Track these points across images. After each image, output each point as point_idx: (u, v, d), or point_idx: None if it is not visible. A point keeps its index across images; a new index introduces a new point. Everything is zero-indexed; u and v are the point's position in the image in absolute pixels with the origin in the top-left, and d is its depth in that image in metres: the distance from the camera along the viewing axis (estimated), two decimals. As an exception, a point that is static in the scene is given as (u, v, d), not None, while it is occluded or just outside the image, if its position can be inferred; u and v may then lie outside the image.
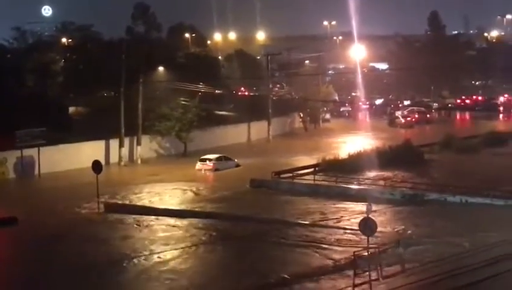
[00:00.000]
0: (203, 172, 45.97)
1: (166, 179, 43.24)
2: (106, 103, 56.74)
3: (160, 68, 56.98)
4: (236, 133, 62.52)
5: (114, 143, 50.67)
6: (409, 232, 28.36)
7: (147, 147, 53.33)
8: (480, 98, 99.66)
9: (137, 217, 32.47)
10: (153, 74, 55.58)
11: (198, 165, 46.67)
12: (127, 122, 50.59)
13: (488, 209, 32.14)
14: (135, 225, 31.14)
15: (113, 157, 50.52)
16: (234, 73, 75.76)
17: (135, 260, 25.29)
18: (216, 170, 45.92)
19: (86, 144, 48.67)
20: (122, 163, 50.54)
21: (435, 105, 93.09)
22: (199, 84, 57.32)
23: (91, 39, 68.41)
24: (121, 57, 50.47)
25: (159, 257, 25.57)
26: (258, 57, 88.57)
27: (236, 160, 48.26)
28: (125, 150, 51.33)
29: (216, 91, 63.37)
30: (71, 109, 61.81)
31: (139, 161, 51.69)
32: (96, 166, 36.16)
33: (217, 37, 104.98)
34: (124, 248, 27.33)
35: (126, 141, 51.47)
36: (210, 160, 46.84)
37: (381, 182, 38.95)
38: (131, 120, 50.83)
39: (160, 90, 54.96)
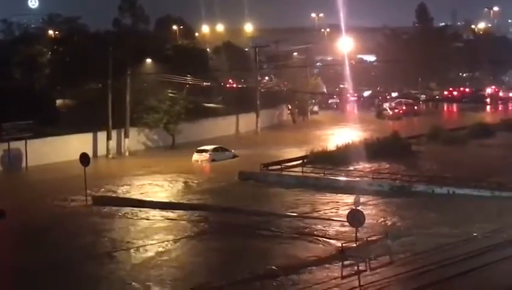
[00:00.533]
0: (199, 163, 46.15)
1: (155, 171, 43.15)
2: (93, 96, 56.46)
3: (148, 60, 56.77)
4: (225, 126, 62.50)
5: (102, 136, 50.49)
6: (398, 223, 28.51)
7: (134, 139, 53.22)
8: (467, 89, 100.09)
9: (126, 209, 32.35)
10: (140, 66, 55.36)
11: (195, 156, 46.87)
12: (114, 114, 50.40)
13: (476, 201, 32.33)
14: (125, 218, 31.03)
15: (101, 150, 50.36)
16: (222, 65, 75.56)
17: (132, 251, 25.26)
18: (213, 160, 46.26)
19: (74, 137, 48.51)
20: (110, 155, 50.39)
21: (423, 97, 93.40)
22: (187, 77, 57.18)
23: (78, 31, 67.93)
24: (109, 49, 50.25)
25: (155, 249, 25.50)
26: (246, 49, 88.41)
27: (233, 151, 48.46)
28: (112, 143, 51.17)
29: (204, 83, 63.23)
30: (58, 102, 61.45)
31: (126, 154, 51.60)
32: (84, 159, 35.98)
33: (205, 29, 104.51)
34: (116, 239, 27.27)
35: (114, 133, 51.31)
36: (207, 151, 47.13)
37: (370, 174, 39.08)
38: (119, 112, 50.66)
39: (148, 83, 54.79)
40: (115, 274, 22.96)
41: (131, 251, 25.37)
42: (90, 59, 53.77)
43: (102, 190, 37.20)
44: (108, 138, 50.63)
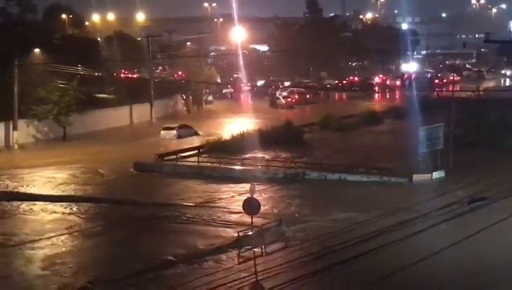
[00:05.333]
0: (167, 138, 50.82)
1: (45, 163, 41.90)
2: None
3: (36, 50, 54.99)
4: (118, 116, 61.42)
5: (-12, 128, 48.63)
6: (292, 210, 29.13)
7: (23, 132, 51.45)
8: (356, 78, 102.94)
9: (16, 204, 31.39)
10: (28, 56, 53.58)
11: (163, 133, 51.90)
12: (1, 106, 48.58)
13: (366, 186, 33.56)
14: (14, 213, 30.12)
15: (-12, 144, 48.49)
16: (114, 55, 74.24)
17: (21, 248, 24.55)
18: (179, 137, 50.83)
19: (-42, 130, 46.45)
20: (-2, 149, 48.61)
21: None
22: (77, 67, 55.78)
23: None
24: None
25: (46, 244, 24.91)
26: (139, 39, 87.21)
27: (195, 129, 52.99)
28: (0, 135, 49.35)
29: (96, 74, 61.91)
30: None
31: (15, 147, 49.88)
32: (-30, 153, 34.60)
33: (95, 18, 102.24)
34: (3, 235, 26.37)
35: (1, 126, 49.51)
36: (173, 128, 52.31)
37: (264, 162, 39.63)
38: (7, 104, 48.86)
39: (37, 73, 53.11)
40: None
41: (21, 247, 24.61)
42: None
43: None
44: (-5, 130, 48.82)
